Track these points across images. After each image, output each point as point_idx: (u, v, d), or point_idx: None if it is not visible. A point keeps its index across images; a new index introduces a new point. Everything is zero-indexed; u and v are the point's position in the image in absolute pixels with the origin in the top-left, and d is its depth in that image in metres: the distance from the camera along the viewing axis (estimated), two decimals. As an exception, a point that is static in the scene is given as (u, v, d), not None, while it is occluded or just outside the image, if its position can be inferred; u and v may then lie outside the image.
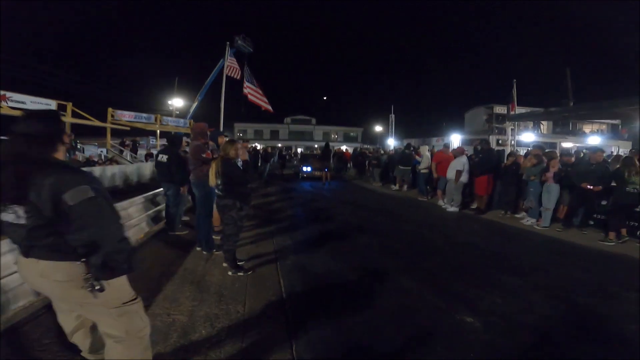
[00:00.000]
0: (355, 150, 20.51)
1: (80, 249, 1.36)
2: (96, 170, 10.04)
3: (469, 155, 8.74)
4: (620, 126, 26.69)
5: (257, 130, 48.61)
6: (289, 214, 7.40)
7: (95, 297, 1.38)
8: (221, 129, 11.54)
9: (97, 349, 1.87)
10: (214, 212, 4.44)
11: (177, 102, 25.50)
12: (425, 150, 10.59)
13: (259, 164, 14.88)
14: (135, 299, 1.58)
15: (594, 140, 21.53)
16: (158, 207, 5.85)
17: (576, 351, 2.55)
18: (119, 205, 4.64)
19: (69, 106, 14.23)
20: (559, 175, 6.44)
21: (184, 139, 6.30)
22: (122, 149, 18.32)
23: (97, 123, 15.88)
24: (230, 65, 12.04)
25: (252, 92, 12.32)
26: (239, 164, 3.67)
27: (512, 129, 14.66)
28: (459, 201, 8.15)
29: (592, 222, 6.43)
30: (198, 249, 4.47)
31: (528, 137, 21.83)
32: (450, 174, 8.10)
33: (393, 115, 32.76)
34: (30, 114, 1.48)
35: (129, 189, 10.23)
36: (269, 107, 12.94)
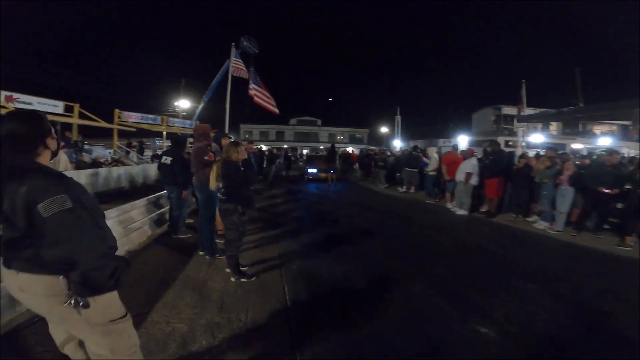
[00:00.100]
0: (361, 151, 20.35)
1: (57, 265, 1.24)
2: (102, 172, 10.04)
3: (478, 157, 8.54)
4: (630, 127, 26.14)
5: (262, 132, 48.69)
6: (294, 217, 7.27)
7: (78, 314, 1.27)
8: (226, 130, 11.47)
9: None
10: (216, 215, 4.32)
11: (183, 104, 25.62)
12: (433, 152, 10.40)
13: (264, 166, 14.79)
14: (124, 316, 1.45)
15: (604, 141, 21.11)
16: (161, 210, 5.77)
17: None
18: (120, 209, 4.57)
19: (77, 107, 14.35)
20: (574, 178, 6.23)
21: (188, 140, 6.21)
22: (129, 150, 18.41)
23: (103, 124, 15.98)
24: (236, 66, 11.98)
25: (257, 94, 12.24)
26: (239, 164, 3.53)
27: (522, 130, 14.38)
28: (468, 204, 7.94)
29: (607, 226, 6.24)
30: (201, 253, 4.36)
31: (537, 138, 21.48)
32: (460, 176, 7.91)
33: (399, 117, 32.57)
34: (9, 114, 1.37)
35: (135, 190, 10.23)
36: (275, 110, 12.82)
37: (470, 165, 7.77)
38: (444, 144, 28.31)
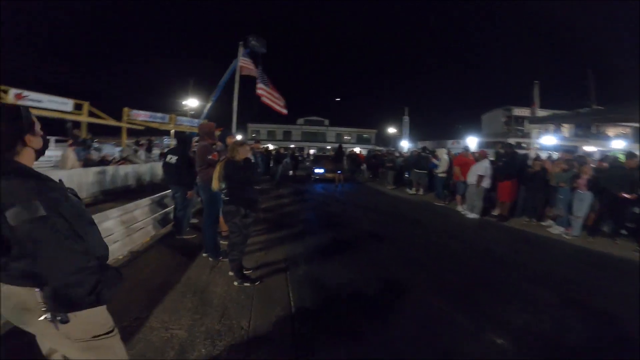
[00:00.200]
0: (369, 152, 20.15)
1: (25, 280, 1.11)
2: (109, 170, 10.05)
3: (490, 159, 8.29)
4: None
5: (270, 131, 48.72)
6: (300, 219, 7.13)
7: (56, 329, 1.14)
8: (234, 129, 11.38)
9: None
10: (221, 216, 4.20)
11: (192, 103, 25.69)
12: (443, 153, 10.15)
13: (271, 165, 14.69)
14: (110, 332, 1.31)
15: (617, 144, 20.55)
16: (166, 210, 5.67)
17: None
18: (123, 209, 4.47)
19: (86, 105, 14.42)
20: (591, 182, 5.98)
21: (194, 139, 6.11)
22: (137, 148, 18.48)
23: (112, 122, 16.06)
24: (244, 65, 11.89)
25: (265, 94, 12.13)
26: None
27: (535, 132, 14.02)
28: (480, 207, 7.70)
29: (624, 232, 6.01)
30: (204, 255, 4.24)
31: (549, 140, 20.99)
32: (472, 178, 7.68)
33: (407, 117, 32.26)
34: None
35: (141, 189, 10.24)
36: (283, 110, 12.69)
37: (482, 168, 7.53)
38: (452, 145, 27.94)
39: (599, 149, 21.53)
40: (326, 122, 51.47)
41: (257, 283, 3.49)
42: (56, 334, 1.18)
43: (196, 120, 21.64)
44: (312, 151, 42.79)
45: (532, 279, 4.01)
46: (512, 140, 20.62)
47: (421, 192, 11.29)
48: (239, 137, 6.66)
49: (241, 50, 11.99)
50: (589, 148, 22.32)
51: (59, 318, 1.12)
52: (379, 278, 3.87)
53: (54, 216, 1.08)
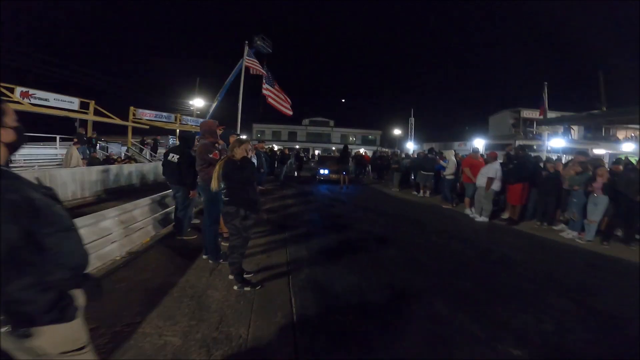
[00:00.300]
0: (374, 153, 19.95)
1: None
2: (113, 168, 10.02)
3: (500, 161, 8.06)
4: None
5: (275, 132, 48.72)
6: (304, 220, 6.96)
7: (20, 343, 1.00)
8: (239, 129, 11.29)
9: None
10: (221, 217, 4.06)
11: (197, 102, 25.71)
12: (451, 155, 9.92)
13: (276, 166, 14.58)
14: (81, 348, 1.17)
15: (628, 146, 20.10)
16: (167, 210, 5.55)
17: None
18: (121, 208, 4.35)
19: (92, 104, 14.45)
20: (607, 185, 5.74)
21: (197, 138, 5.99)
22: (143, 147, 18.50)
23: (118, 121, 16.08)
24: (249, 65, 11.79)
25: (271, 95, 12.02)
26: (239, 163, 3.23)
27: (546, 134, 13.71)
28: (489, 211, 7.48)
29: (638, 237, 5.85)
30: (204, 256, 4.11)
31: (558, 142, 20.58)
32: (481, 180, 7.46)
33: (413, 119, 31.97)
34: None
35: (145, 188, 10.18)
36: (289, 112, 12.56)
37: (492, 170, 7.31)
38: (459, 147, 27.59)
39: (609, 151, 21.10)
40: (331, 123, 51.34)
41: (257, 287, 3.34)
42: (22, 348, 1.04)
43: (201, 120, 21.63)
44: (317, 152, 42.68)
45: (548, 286, 3.82)
46: (520, 143, 20.29)
47: (427, 194, 11.08)
48: (243, 137, 6.53)
49: (246, 50, 11.90)
50: (598, 151, 21.87)
51: (19, 333, 0.98)
52: (385, 283, 3.70)
53: (7, 223, 0.93)
